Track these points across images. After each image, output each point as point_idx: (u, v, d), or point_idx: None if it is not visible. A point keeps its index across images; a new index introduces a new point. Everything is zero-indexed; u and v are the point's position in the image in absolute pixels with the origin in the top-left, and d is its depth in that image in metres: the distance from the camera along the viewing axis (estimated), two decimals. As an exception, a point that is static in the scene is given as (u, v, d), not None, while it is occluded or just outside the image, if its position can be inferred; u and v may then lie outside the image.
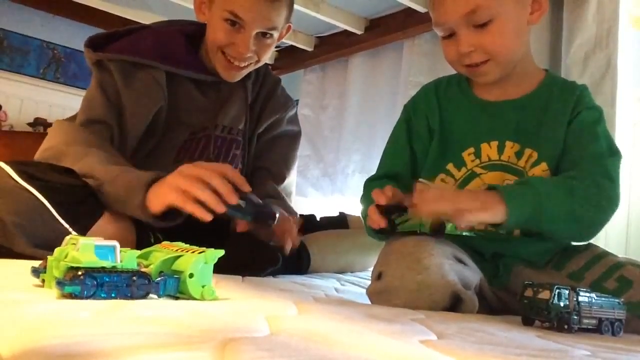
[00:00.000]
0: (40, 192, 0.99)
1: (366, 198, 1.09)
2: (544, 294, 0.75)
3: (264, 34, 1.29)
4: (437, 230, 0.91)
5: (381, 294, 0.88)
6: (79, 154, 1.12)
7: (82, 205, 1.04)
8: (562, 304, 0.74)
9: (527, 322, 0.79)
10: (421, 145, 1.14)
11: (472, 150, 1.09)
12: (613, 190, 0.98)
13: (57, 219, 0.99)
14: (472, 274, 0.92)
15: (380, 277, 0.90)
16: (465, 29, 1.00)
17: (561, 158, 1.04)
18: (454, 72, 1.14)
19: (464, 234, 0.95)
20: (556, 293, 0.74)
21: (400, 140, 1.16)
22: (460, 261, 0.93)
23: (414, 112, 1.17)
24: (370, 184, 1.13)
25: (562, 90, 1.08)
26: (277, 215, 1.12)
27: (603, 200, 0.96)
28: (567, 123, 1.04)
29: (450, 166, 1.10)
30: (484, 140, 1.08)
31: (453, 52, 1.04)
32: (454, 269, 0.87)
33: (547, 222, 0.91)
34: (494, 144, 1.07)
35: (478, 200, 0.89)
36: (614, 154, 1.03)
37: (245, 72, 1.36)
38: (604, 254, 1.00)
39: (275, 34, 1.31)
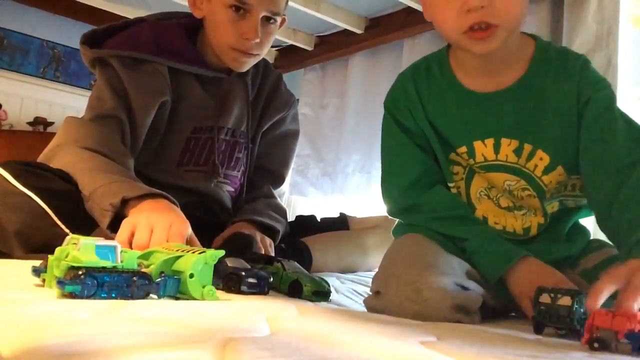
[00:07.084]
0: (41, 198, 0.99)
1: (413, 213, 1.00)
2: (564, 300, 0.70)
3: (268, 19, 1.27)
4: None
5: (378, 312, 0.84)
6: (63, 161, 1.10)
7: (84, 211, 1.03)
8: (582, 310, 0.69)
9: (539, 329, 0.73)
10: (418, 137, 1.03)
11: (464, 149, 0.99)
12: None
13: (58, 224, 0.99)
14: (475, 297, 0.86)
15: (379, 295, 0.86)
16: None
17: (580, 156, 0.93)
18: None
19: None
20: (577, 299, 0.70)
21: (403, 142, 1.03)
22: (463, 287, 0.86)
23: (396, 109, 1.05)
24: (409, 193, 1.01)
25: (558, 67, 0.96)
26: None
27: None
28: (576, 116, 0.94)
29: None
30: (477, 138, 0.98)
31: (455, 7, 0.88)
32: (456, 299, 0.82)
33: None
34: (489, 141, 0.97)
35: None
36: None
37: (254, 61, 1.34)
38: (619, 257, 0.91)
39: (278, 20, 1.30)
